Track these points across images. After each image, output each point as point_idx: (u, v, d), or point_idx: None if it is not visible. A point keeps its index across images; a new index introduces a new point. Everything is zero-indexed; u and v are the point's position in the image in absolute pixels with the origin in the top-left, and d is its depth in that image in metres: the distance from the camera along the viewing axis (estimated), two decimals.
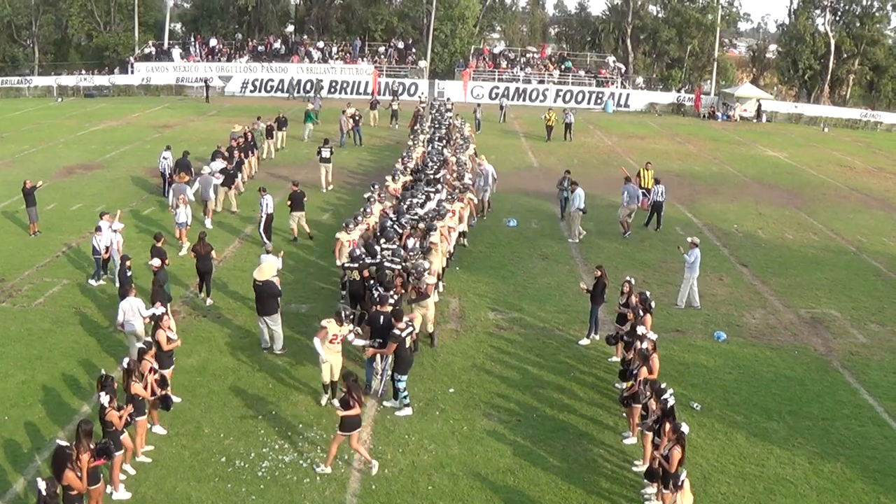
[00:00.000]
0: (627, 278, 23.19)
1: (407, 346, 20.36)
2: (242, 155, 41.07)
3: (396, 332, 19.94)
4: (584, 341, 24.43)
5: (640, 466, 18.17)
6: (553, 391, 21.62)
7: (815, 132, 68.33)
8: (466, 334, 24.85)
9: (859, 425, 20.42)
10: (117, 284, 25.81)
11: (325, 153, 42.30)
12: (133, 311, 21.51)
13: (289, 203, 32.95)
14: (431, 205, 29.98)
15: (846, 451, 19.28)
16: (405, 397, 20.37)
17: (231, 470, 17.91)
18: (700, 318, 26.28)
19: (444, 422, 19.98)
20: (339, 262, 25.65)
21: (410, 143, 41.90)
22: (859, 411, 21.10)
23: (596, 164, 49.51)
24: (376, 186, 31.02)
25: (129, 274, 23.52)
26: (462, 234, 31.39)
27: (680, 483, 14.26)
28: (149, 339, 19.59)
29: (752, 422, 20.41)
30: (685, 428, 15.24)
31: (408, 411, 20.28)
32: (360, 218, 25.87)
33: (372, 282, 22.83)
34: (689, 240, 27.05)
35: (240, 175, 39.58)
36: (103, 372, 17.32)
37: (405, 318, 20.47)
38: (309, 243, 32.69)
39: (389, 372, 20.71)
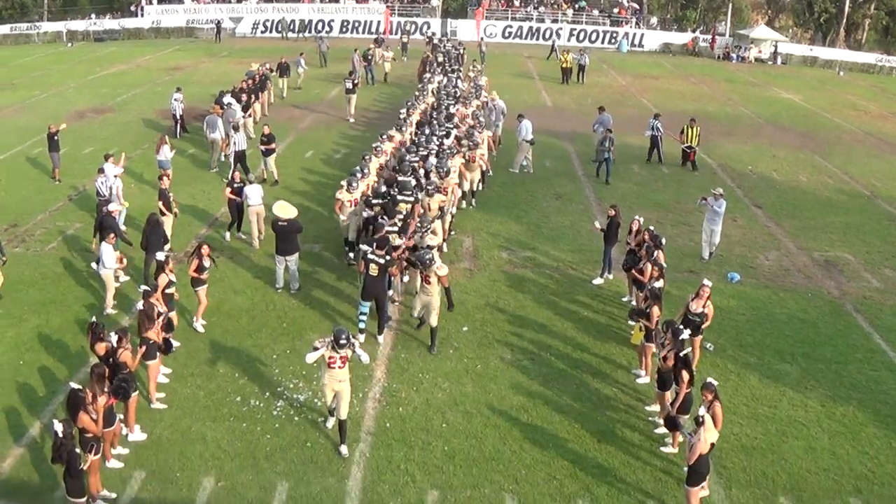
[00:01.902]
0: (636, 217, 23.12)
1: (373, 273, 20.59)
2: (252, 97, 40.80)
3: (371, 254, 20.65)
4: (598, 281, 24.42)
5: (652, 406, 18.27)
6: (566, 330, 21.67)
7: (831, 76, 67.73)
8: (480, 273, 24.84)
9: (872, 370, 20.43)
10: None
11: (349, 84, 43.94)
12: (109, 255, 21.63)
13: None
14: (449, 141, 29.99)
15: (858, 395, 19.31)
16: (361, 321, 21.04)
17: (246, 409, 18.04)
18: (714, 259, 26.19)
19: (457, 360, 20.04)
20: (341, 220, 24.94)
21: (417, 92, 40.55)
22: (872, 356, 21.10)
23: (610, 103, 48.84)
24: (384, 136, 30.19)
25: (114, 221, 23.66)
26: (472, 193, 30.48)
27: (700, 419, 14.25)
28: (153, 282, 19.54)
29: (765, 363, 20.45)
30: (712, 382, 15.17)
31: (360, 338, 20.70)
32: (359, 176, 25.03)
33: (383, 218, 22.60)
34: (714, 191, 26.19)
35: (249, 115, 39.29)
36: (93, 319, 17.37)
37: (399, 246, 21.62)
38: (308, 187, 32.63)
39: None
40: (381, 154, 28.15)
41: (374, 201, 23.83)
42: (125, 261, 22.48)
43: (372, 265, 20.56)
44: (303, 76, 52.80)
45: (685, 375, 16.29)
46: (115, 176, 26.92)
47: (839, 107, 52.33)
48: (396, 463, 16.43)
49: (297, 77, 52.42)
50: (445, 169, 25.98)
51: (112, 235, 21.71)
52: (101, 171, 26.86)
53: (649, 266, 20.57)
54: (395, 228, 22.16)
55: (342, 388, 16.49)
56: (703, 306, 19.10)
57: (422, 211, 23.87)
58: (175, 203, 25.50)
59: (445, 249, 25.11)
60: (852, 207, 32.51)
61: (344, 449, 16.49)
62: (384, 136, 30.02)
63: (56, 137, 31.79)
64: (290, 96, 48.86)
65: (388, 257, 20.72)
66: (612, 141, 33.19)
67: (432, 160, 27.13)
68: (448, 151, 27.98)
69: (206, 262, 20.66)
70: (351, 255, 24.54)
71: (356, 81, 44.47)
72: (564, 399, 18.69)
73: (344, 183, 24.60)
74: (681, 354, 16.41)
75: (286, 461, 16.44)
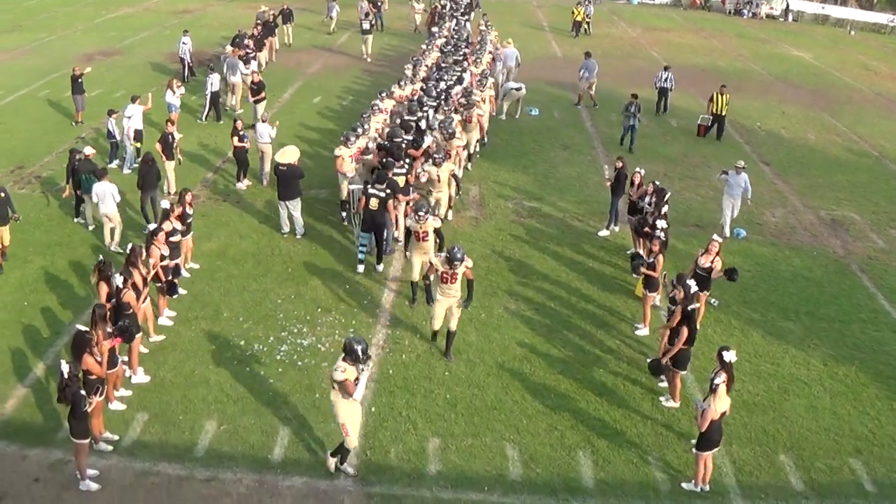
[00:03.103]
0: (638, 170, 23.09)
1: (373, 207, 20.90)
2: (261, 42, 40.63)
3: (371, 188, 21.04)
4: (604, 232, 24.36)
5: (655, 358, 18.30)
6: (571, 281, 21.66)
7: (842, 34, 67.07)
8: (486, 222, 24.79)
9: (875, 330, 20.40)
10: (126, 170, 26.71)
11: (366, 25, 44.54)
12: (106, 195, 21.63)
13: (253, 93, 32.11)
14: (458, 89, 29.93)
15: (861, 355, 19.30)
16: (360, 252, 21.62)
17: (250, 353, 18.08)
18: (720, 213, 26.11)
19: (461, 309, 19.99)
20: (340, 179, 24.15)
21: (425, 46, 39.32)
22: (876, 316, 21.06)
23: (620, 55, 48.74)
24: (383, 94, 28.67)
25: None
26: (469, 157, 29.09)
27: (713, 387, 14.25)
28: (155, 225, 19.40)
29: (769, 320, 20.44)
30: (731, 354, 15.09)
31: (360, 268, 21.55)
32: (359, 131, 24.37)
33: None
34: (736, 164, 24.88)
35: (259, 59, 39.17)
36: (101, 258, 17.27)
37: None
38: (315, 134, 32.50)
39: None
40: (380, 112, 27.08)
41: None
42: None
43: (372, 199, 20.75)
44: (335, 20, 52.48)
45: (684, 332, 16.27)
46: (128, 117, 26.99)
47: (849, 66, 51.88)
48: (398, 410, 16.48)
49: (329, 22, 52.43)
50: (450, 130, 25.23)
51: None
52: (112, 112, 27.07)
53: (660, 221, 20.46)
54: (403, 171, 22.25)
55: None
56: (712, 262, 19.03)
57: (424, 175, 23.12)
58: (178, 149, 25.40)
59: (451, 217, 24.54)
60: (860, 167, 32.30)
61: None
62: (384, 94, 28.76)
63: (80, 80, 31.43)
64: (298, 42, 48.37)
65: (387, 191, 20.88)
66: (638, 107, 31.83)
67: (436, 117, 26.87)
68: (449, 110, 27.52)
69: (189, 210, 20.50)
70: (344, 213, 24.23)
71: (373, 22, 44.78)
72: (567, 350, 18.71)
73: (342, 138, 23.99)
74: (688, 309, 16.36)
75: (288, 406, 16.49)
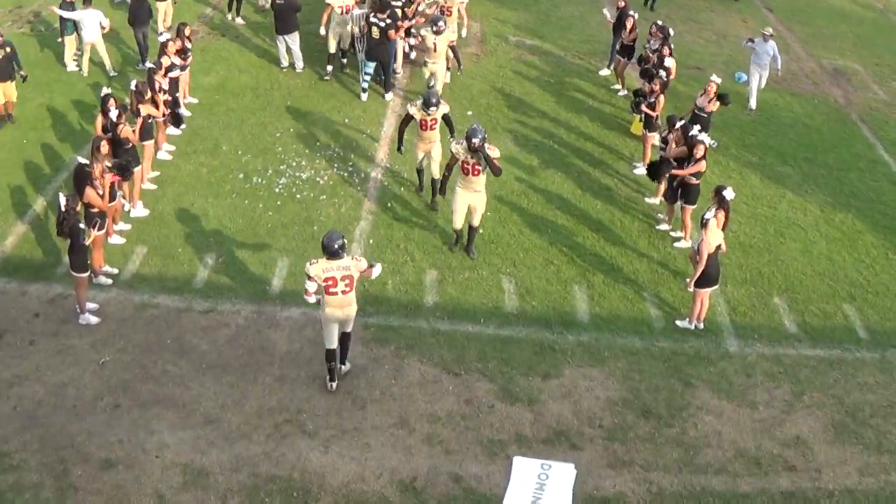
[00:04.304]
0: (632, 13, 22.69)
1: (375, 36, 20.77)
2: None
3: (372, 17, 20.75)
4: (605, 71, 24.08)
5: (652, 199, 18.33)
6: (571, 119, 21.52)
7: None
8: (486, 58, 24.43)
9: (873, 180, 20.38)
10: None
11: None
12: (92, 20, 21.17)
13: None
14: None
15: (858, 203, 19.34)
16: (364, 80, 21.58)
17: (248, 186, 18.00)
18: (722, 56, 25.79)
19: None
20: (321, 32, 22.80)
21: None
22: (874, 166, 21.02)
23: None
24: None
25: None
26: None
27: (704, 221, 14.25)
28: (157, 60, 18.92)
29: (767, 164, 20.40)
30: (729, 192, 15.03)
31: (363, 96, 21.63)
32: None
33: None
34: (763, 31, 22.83)
35: None
36: (106, 90, 16.91)
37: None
38: None
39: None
40: None
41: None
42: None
43: (374, 28, 20.57)
44: None
45: (702, 164, 16.36)
46: None
47: None
48: (396, 242, 16.50)
49: None
50: None
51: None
52: None
53: (669, 59, 20.19)
54: (400, 2, 21.65)
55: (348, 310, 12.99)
56: (710, 102, 18.84)
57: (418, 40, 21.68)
58: None
59: (449, 80, 22.54)
60: (865, 19, 31.78)
61: None
62: None
63: None
64: None
65: (388, 20, 20.59)
66: None
67: None
68: None
69: (189, 45, 19.95)
70: (329, 67, 22.64)
71: None
72: (565, 187, 18.68)
73: None
74: (692, 135, 16.41)
75: (287, 238, 16.50)
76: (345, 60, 23.10)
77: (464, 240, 16.39)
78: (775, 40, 22.44)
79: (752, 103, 22.91)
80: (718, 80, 19.18)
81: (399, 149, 17.42)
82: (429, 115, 16.59)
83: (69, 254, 13.74)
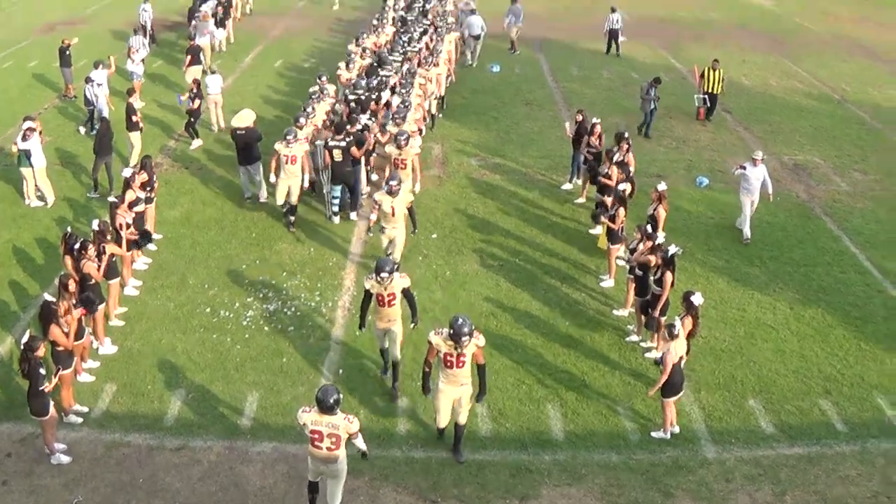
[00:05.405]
0: (595, 120, 23.17)
1: (338, 159, 21.16)
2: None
3: (331, 141, 21.20)
4: (567, 186, 24.31)
5: (620, 311, 18.31)
6: (535, 236, 21.66)
7: None
8: (449, 180, 24.70)
9: (841, 272, 20.50)
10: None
11: None
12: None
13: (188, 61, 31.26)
14: (426, 39, 30.45)
15: (827, 297, 19.40)
16: (333, 204, 21.90)
17: (216, 320, 17.98)
18: (682, 163, 26.12)
19: (427, 267, 20.01)
20: (271, 179, 21.84)
21: (376, 21, 35.43)
22: (841, 258, 21.17)
23: (579, 11, 48.49)
24: (324, 78, 26.17)
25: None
26: (432, 117, 28.42)
27: (673, 332, 14.28)
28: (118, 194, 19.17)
29: (733, 267, 20.50)
30: (697, 297, 15.27)
31: (335, 220, 21.97)
32: (302, 120, 22.31)
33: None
34: (753, 156, 21.93)
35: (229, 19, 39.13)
36: (68, 230, 17.12)
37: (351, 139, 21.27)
38: (277, 96, 32.40)
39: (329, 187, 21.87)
40: (326, 97, 25.16)
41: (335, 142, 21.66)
42: None
43: (335, 151, 21.01)
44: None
45: (668, 277, 16.32)
46: (98, 85, 26.74)
47: (810, 11, 51.84)
48: (366, 371, 16.48)
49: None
50: (403, 114, 22.99)
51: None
52: (89, 79, 26.66)
53: (615, 169, 20.54)
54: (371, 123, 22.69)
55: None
56: (654, 210, 19.21)
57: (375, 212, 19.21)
58: (138, 116, 24.84)
59: (418, 189, 22.42)
60: (822, 111, 32.32)
61: None
62: (323, 78, 26.17)
63: (68, 52, 30.61)
64: (257, 6, 47.51)
65: (347, 139, 21.12)
66: (656, 92, 28.77)
67: (394, 99, 24.88)
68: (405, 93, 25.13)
69: (154, 177, 20.31)
70: (292, 218, 21.78)
71: None
72: (533, 305, 18.70)
73: (284, 134, 21.34)
74: (668, 255, 16.38)
75: (256, 371, 16.42)
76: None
77: (450, 440, 14.62)
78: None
79: (746, 232, 21.71)
80: (663, 187, 19.62)
81: (360, 327, 15.71)
82: (383, 284, 14.88)
83: (28, 397, 13.63)
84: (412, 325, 15.54)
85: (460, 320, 13.14)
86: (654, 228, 18.16)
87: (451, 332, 13.15)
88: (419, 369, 14.41)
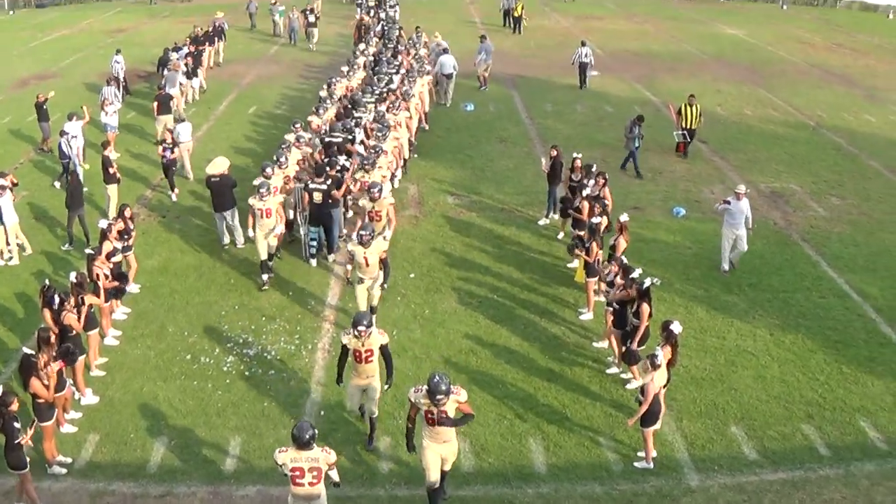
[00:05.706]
0: (576, 154, 23.16)
1: (317, 201, 21.41)
2: (201, 47, 40.64)
3: (311, 183, 21.50)
4: (543, 221, 24.41)
5: (600, 343, 18.33)
6: (513, 272, 21.68)
7: (774, 9, 67.74)
8: (426, 219, 24.75)
9: (820, 297, 20.57)
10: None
11: (311, 18, 48.51)
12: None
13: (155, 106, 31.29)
14: (397, 80, 30.77)
15: (807, 322, 19.44)
16: (311, 246, 22.04)
17: (196, 367, 17.93)
18: (659, 194, 26.22)
19: (405, 307, 19.99)
20: (249, 234, 21.56)
21: (347, 67, 34.65)
22: (820, 283, 21.25)
23: (553, 46, 48.90)
24: (298, 125, 26.11)
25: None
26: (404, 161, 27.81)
27: (658, 362, 14.31)
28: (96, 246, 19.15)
29: (712, 295, 20.53)
30: (676, 326, 15.26)
31: (312, 262, 22.10)
32: (268, 171, 21.51)
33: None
34: (737, 190, 21.53)
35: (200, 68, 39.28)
36: (46, 282, 17.00)
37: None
38: (251, 143, 32.60)
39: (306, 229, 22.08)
40: (303, 146, 24.86)
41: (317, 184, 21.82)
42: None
43: (315, 194, 21.19)
44: (280, 24, 53.16)
45: (645, 309, 16.33)
46: (73, 137, 26.80)
47: (784, 40, 52.41)
48: (348, 413, 16.32)
49: (273, 25, 53.65)
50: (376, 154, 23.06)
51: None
52: (63, 132, 26.65)
53: (585, 204, 20.60)
54: (349, 165, 22.92)
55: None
56: (615, 240, 19.31)
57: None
58: (114, 168, 24.83)
59: (389, 236, 21.08)
60: (798, 139, 32.59)
61: None
62: (297, 125, 26.07)
63: (45, 106, 30.58)
64: (230, 54, 47.69)
65: (328, 182, 21.34)
66: (640, 129, 28.45)
67: (359, 148, 24.93)
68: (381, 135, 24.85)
69: (131, 225, 20.30)
70: (265, 277, 21.26)
71: (318, 16, 48.81)
72: (513, 340, 18.70)
73: (257, 188, 21.04)
74: (643, 287, 16.41)
75: (238, 416, 16.35)
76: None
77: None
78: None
79: (725, 266, 21.66)
80: (625, 217, 19.72)
81: (338, 381, 15.60)
82: (360, 339, 14.57)
83: (5, 451, 13.51)
84: (385, 387, 15.26)
85: (437, 378, 12.66)
86: (612, 258, 18.34)
87: (428, 389, 12.72)
88: (401, 408, 14.35)
